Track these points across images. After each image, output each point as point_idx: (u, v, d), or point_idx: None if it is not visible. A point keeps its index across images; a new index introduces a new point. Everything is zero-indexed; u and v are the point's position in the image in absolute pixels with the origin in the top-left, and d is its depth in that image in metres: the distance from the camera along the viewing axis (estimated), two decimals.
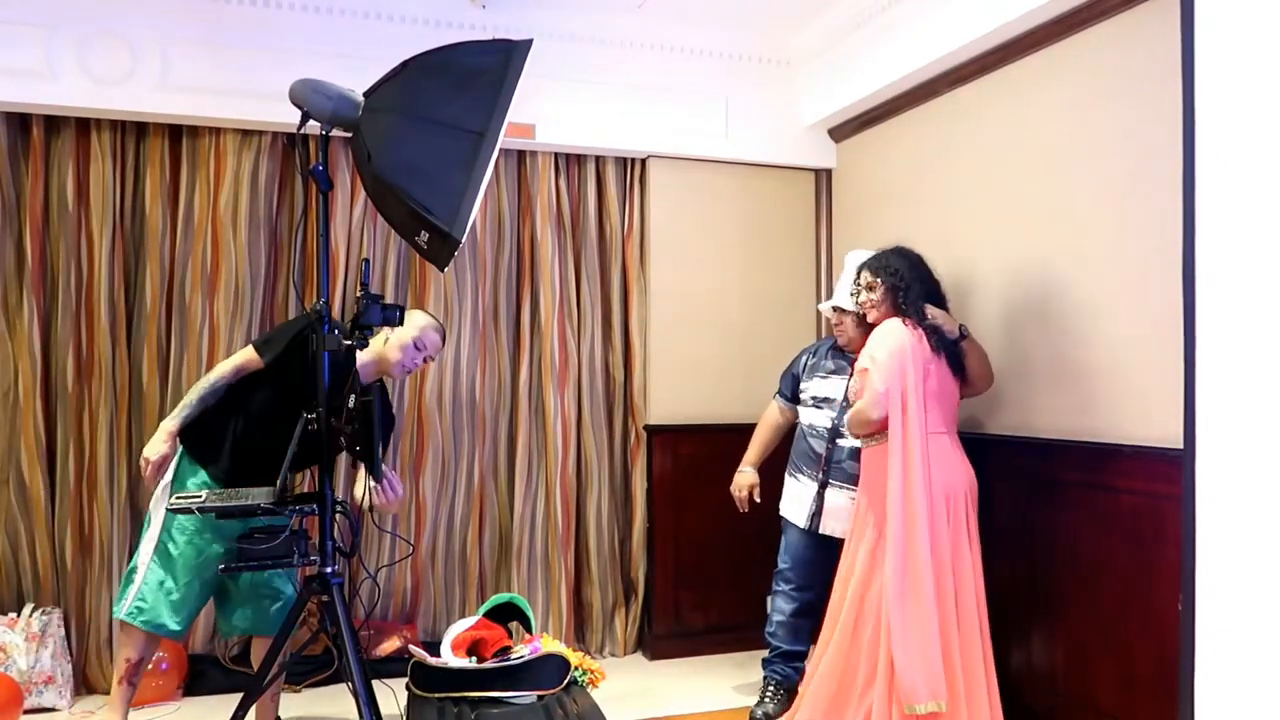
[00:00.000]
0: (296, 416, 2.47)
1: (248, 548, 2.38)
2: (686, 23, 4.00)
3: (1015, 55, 3.15)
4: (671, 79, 4.04)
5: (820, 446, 3.27)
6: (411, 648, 3.16)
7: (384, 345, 2.85)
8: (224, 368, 2.75)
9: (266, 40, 3.53)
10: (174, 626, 2.69)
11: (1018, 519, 3.10)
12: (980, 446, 3.25)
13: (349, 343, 2.38)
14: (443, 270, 2.34)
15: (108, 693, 3.41)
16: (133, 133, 3.58)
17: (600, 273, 4.13)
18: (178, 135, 3.62)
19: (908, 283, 2.85)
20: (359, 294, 2.41)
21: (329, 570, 2.38)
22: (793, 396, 3.49)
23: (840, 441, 3.22)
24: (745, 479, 3.51)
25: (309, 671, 3.54)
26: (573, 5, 3.81)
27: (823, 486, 3.26)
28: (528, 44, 2.38)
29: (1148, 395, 2.66)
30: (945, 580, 2.69)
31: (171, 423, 2.68)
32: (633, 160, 4.14)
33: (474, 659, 3.05)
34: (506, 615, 3.38)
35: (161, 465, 2.67)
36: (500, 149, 2.32)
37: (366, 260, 2.58)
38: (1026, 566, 3.06)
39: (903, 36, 3.51)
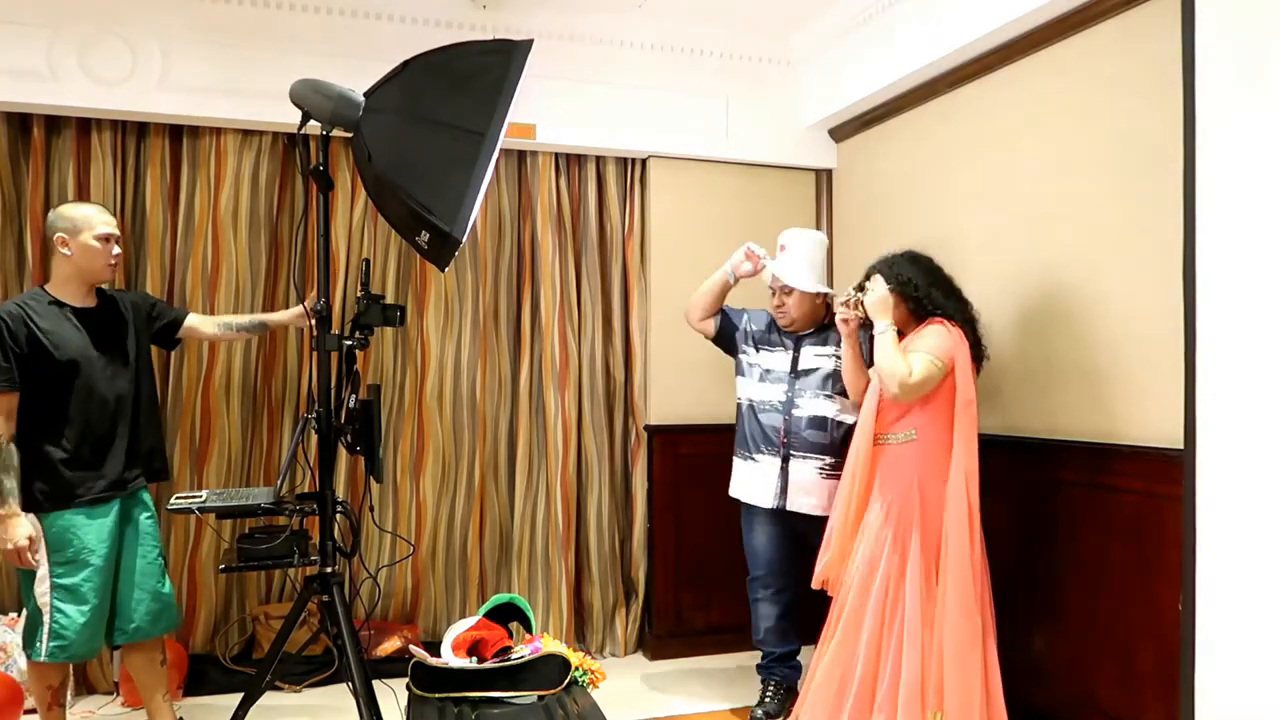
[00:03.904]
0: (69, 397, 2.56)
1: (248, 548, 2.39)
2: (686, 23, 4.00)
3: (1016, 55, 3.15)
4: (671, 79, 4.04)
5: (777, 420, 3.23)
6: (412, 648, 3.17)
7: (67, 262, 2.64)
8: None
9: (266, 40, 3.53)
10: (95, 649, 2.66)
11: (1018, 519, 3.10)
12: (980, 446, 3.25)
13: (349, 343, 2.38)
14: (443, 270, 2.34)
15: (109, 693, 3.43)
16: (133, 133, 3.58)
17: (600, 273, 4.13)
18: (178, 135, 3.63)
19: (924, 291, 2.79)
20: (359, 294, 2.41)
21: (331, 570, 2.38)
22: (728, 334, 3.42)
23: (796, 412, 3.20)
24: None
25: (309, 671, 3.54)
26: (573, 5, 3.81)
27: (785, 460, 3.21)
28: (528, 44, 2.39)
29: (1148, 395, 2.66)
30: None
31: (5, 508, 2.49)
32: (633, 160, 4.14)
33: (474, 659, 3.05)
34: (507, 615, 3.39)
35: (33, 543, 2.53)
36: (500, 149, 2.32)
37: (366, 260, 2.58)
38: (1026, 566, 3.06)
39: (903, 36, 3.51)
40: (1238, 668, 1.86)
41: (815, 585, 2.94)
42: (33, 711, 3.19)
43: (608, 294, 4.13)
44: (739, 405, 3.42)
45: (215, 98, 3.49)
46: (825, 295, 3.30)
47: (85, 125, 3.51)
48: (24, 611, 2.68)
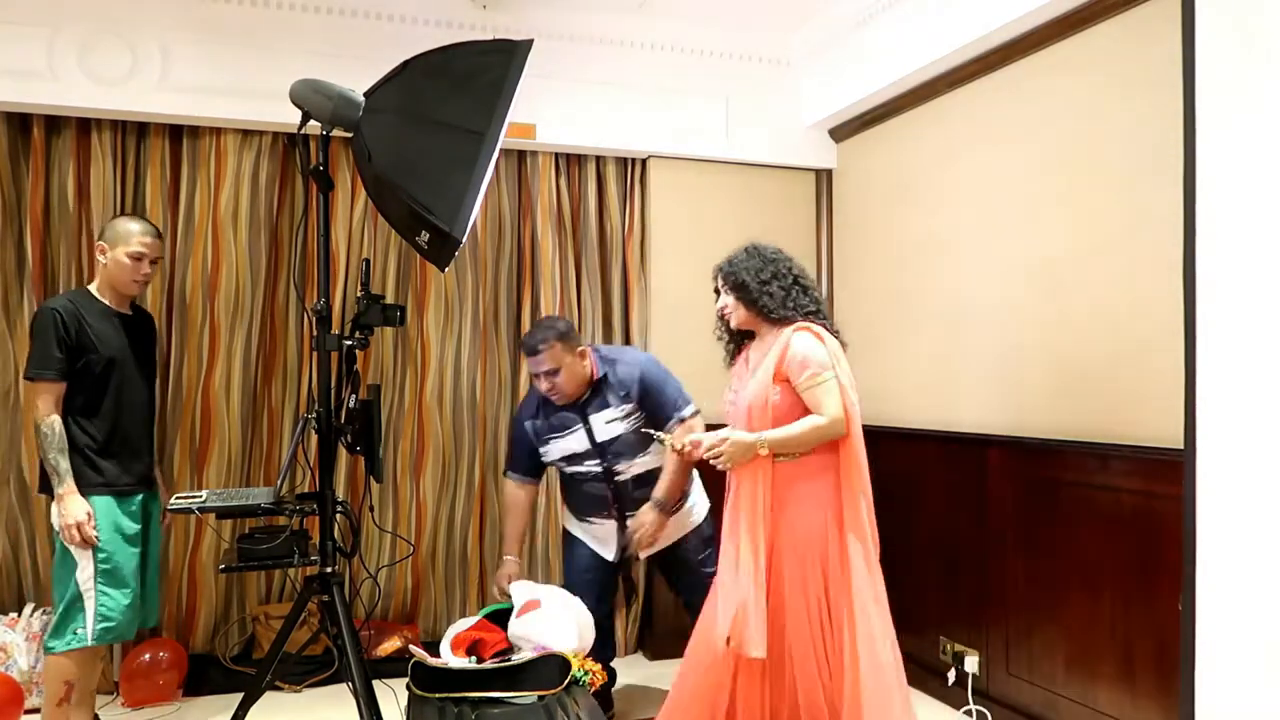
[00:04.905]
0: (105, 393, 2.72)
1: (248, 548, 2.38)
2: (686, 23, 4.00)
3: (1016, 55, 3.15)
4: (671, 79, 4.04)
5: (601, 489, 3.06)
6: (412, 648, 3.16)
7: (103, 269, 2.79)
8: (46, 413, 2.64)
9: (266, 40, 3.53)
10: (134, 630, 2.83)
11: (1018, 519, 3.10)
12: (980, 446, 3.26)
13: (349, 343, 2.38)
14: (443, 270, 2.34)
15: (109, 693, 3.43)
16: (133, 133, 3.58)
17: (600, 273, 4.13)
18: (178, 135, 3.63)
19: (757, 293, 2.54)
20: (359, 294, 2.41)
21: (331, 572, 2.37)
22: (532, 470, 3.21)
23: (620, 477, 3.05)
24: (510, 568, 3.15)
25: (309, 671, 3.54)
26: (573, 5, 3.81)
27: (621, 519, 3.10)
28: (528, 44, 2.38)
29: (1148, 395, 2.66)
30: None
31: (65, 486, 2.64)
32: (633, 160, 4.14)
33: (474, 659, 3.04)
34: (507, 618, 3.38)
35: (91, 519, 2.65)
36: (500, 149, 2.32)
37: (366, 260, 2.57)
38: (1026, 566, 3.06)
39: (904, 36, 3.51)
40: (1238, 668, 1.86)
41: (725, 645, 2.47)
42: (33, 711, 3.19)
43: (608, 294, 4.13)
44: (562, 475, 3.20)
45: (215, 98, 3.49)
46: (582, 350, 3.04)
47: (85, 125, 3.51)
48: (51, 603, 2.77)
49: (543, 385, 3.01)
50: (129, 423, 2.80)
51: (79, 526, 2.62)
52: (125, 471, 2.77)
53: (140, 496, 2.83)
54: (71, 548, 2.66)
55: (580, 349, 3.03)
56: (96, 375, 2.72)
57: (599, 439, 3.03)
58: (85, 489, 2.68)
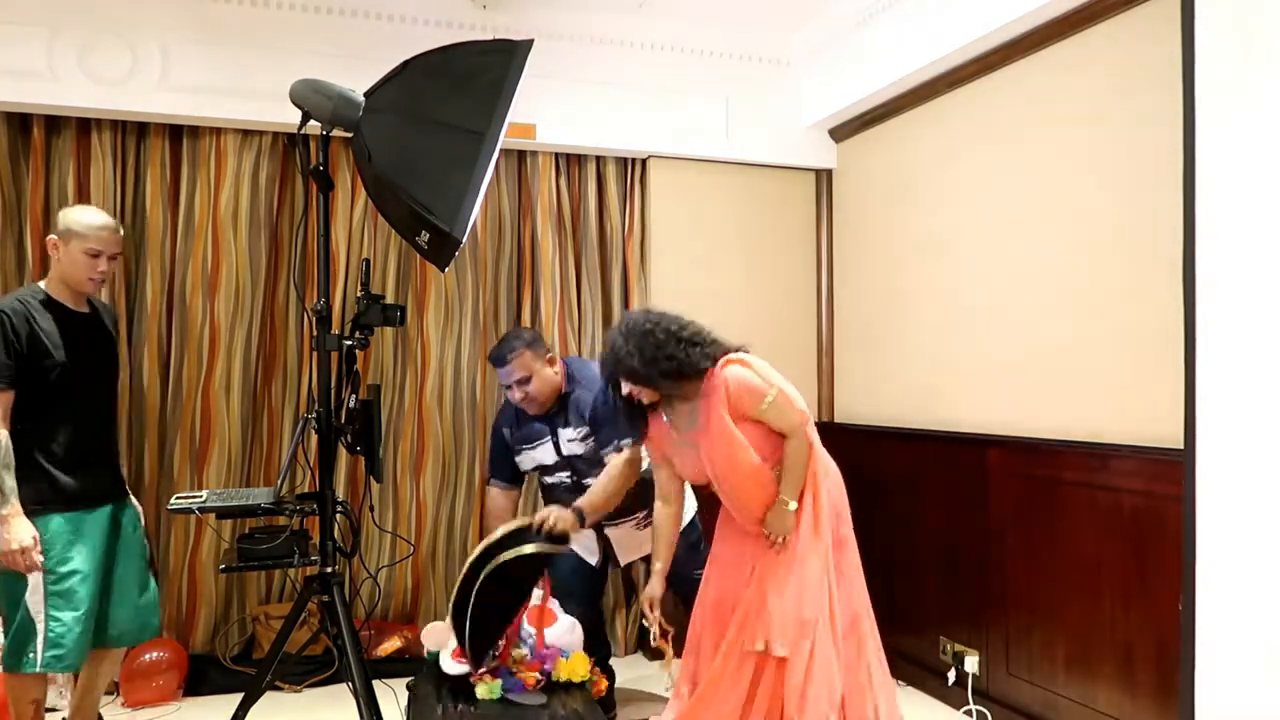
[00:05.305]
0: (63, 400, 2.52)
1: (248, 548, 2.38)
2: (686, 23, 4.00)
3: (1016, 55, 3.15)
4: (671, 79, 4.04)
5: (574, 499, 2.93)
6: (414, 646, 3.15)
7: (56, 264, 2.57)
8: None
9: (266, 40, 3.53)
10: (86, 658, 2.59)
11: (1018, 519, 3.10)
12: (980, 446, 3.26)
13: (349, 343, 2.38)
14: (443, 270, 2.34)
15: (109, 693, 3.42)
16: (133, 133, 3.58)
17: (600, 273, 4.13)
18: (178, 135, 3.63)
19: (652, 375, 2.45)
20: (359, 294, 2.41)
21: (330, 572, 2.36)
22: (513, 477, 3.23)
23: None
24: None
25: (309, 671, 3.54)
26: (573, 5, 3.81)
27: (599, 528, 3.06)
28: (528, 44, 2.38)
29: (1148, 395, 2.66)
30: None
31: (9, 507, 2.41)
32: (633, 160, 4.14)
33: (470, 664, 3.01)
34: None
35: (36, 544, 2.44)
36: (500, 149, 2.32)
37: (366, 260, 2.57)
38: (1027, 566, 3.06)
39: (904, 36, 3.51)
40: (1238, 668, 1.86)
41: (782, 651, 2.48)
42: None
43: (608, 294, 4.13)
44: (539, 486, 3.24)
45: (215, 98, 3.49)
46: (551, 357, 3.04)
47: (85, 125, 3.51)
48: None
49: (516, 395, 3.00)
50: (91, 431, 2.61)
51: (24, 552, 2.40)
52: (89, 482, 2.57)
53: (108, 509, 2.63)
54: (12, 577, 2.47)
55: (549, 355, 3.04)
56: (52, 382, 2.50)
57: (564, 453, 3.05)
58: (38, 507, 2.46)
